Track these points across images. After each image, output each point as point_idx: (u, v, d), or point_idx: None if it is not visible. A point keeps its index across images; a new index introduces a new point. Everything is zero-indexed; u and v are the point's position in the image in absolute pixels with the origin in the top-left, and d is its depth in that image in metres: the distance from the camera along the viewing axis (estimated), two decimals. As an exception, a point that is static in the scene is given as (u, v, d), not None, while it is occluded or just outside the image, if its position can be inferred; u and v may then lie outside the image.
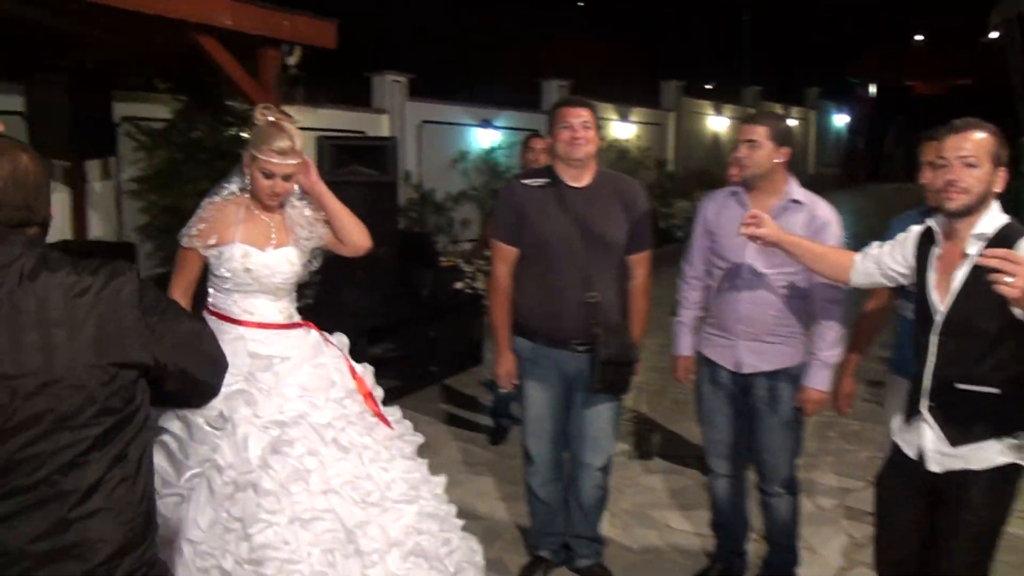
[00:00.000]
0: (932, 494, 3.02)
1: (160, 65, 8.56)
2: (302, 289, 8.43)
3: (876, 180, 28.66)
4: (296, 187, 3.41)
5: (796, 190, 3.76)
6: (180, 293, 3.36)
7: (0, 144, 1.90)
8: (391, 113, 12.38)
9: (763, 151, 3.66)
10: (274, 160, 3.22)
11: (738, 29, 27.84)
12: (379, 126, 12.13)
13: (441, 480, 3.58)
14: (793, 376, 3.77)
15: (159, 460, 3.21)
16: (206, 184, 3.42)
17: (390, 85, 12.39)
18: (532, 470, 4.09)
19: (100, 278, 1.88)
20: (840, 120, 31.78)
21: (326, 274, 7.00)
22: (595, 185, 3.84)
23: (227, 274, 3.30)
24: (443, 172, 12.98)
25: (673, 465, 5.65)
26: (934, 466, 2.95)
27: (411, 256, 7.60)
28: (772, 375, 3.77)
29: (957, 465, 2.92)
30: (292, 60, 7.35)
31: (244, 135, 3.30)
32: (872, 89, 35.58)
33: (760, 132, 3.65)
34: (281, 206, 3.42)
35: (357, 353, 6.41)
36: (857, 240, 3.61)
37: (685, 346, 4.08)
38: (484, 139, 13.73)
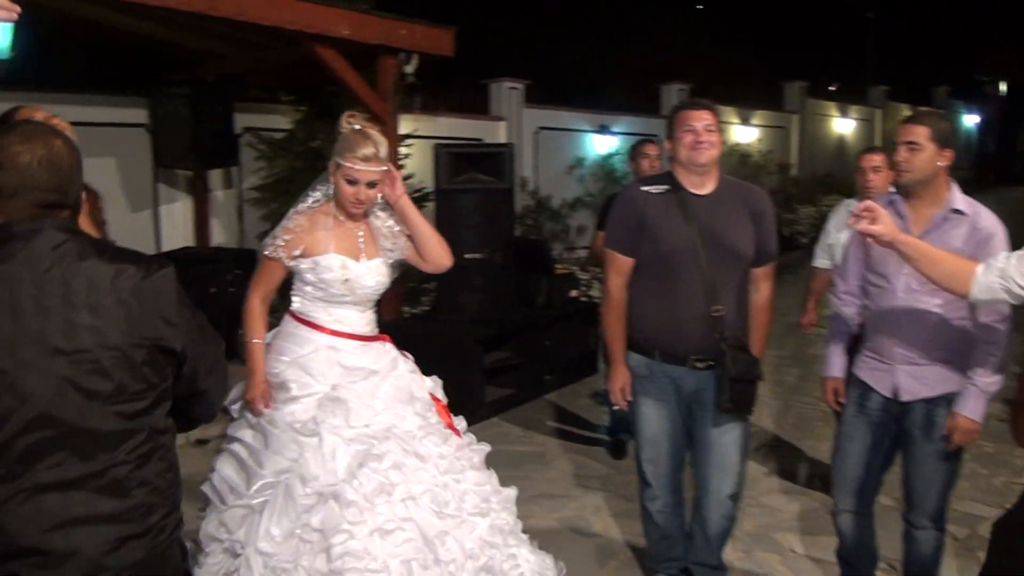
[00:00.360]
0: None
1: (280, 76, 8.71)
2: (418, 296, 8.54)
3: (1008, 183, 27.32)
4: (379, 198, 3.39)
5: (958, 198, 3.40)
6: (260, 301, 3.39)
7: (35, 128, 2.00)
8: (508, 120, 12.35)
9: (924, 154, 3.32)
10: (358, 167, 3.21)
11: (862, 27, 27.02)
12: (496, 133, 12.12)
13: (511, 493, 3.54)
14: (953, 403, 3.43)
15: (227, 470, 3.25)
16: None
17: (507, 92, 12.37)
18: (649, 493, 3.89)
19: (142, 267, 1.99)
20: (970, 120, 30.49)
21: (443, 280, 7.07)
22: (719, 192, 3.62)
23: (321, 284, 3.30)
24: (559, 179, 12.89)
25: (797, 486, 5.40)
26: None
27: (526, 263, 7.53)
28: (931, 401, 3.43)
29: None
30: (410, 68, 7.35)
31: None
32: (1003, 87, 34.02)
33: (921, 133, 3.32)
34: (365, 215, 3.41)
35: (472, 360, 6.46)
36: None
37: (836, 367, 3.77)
38: (601, 145, 13.58)
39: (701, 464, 3.77)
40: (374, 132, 3.28)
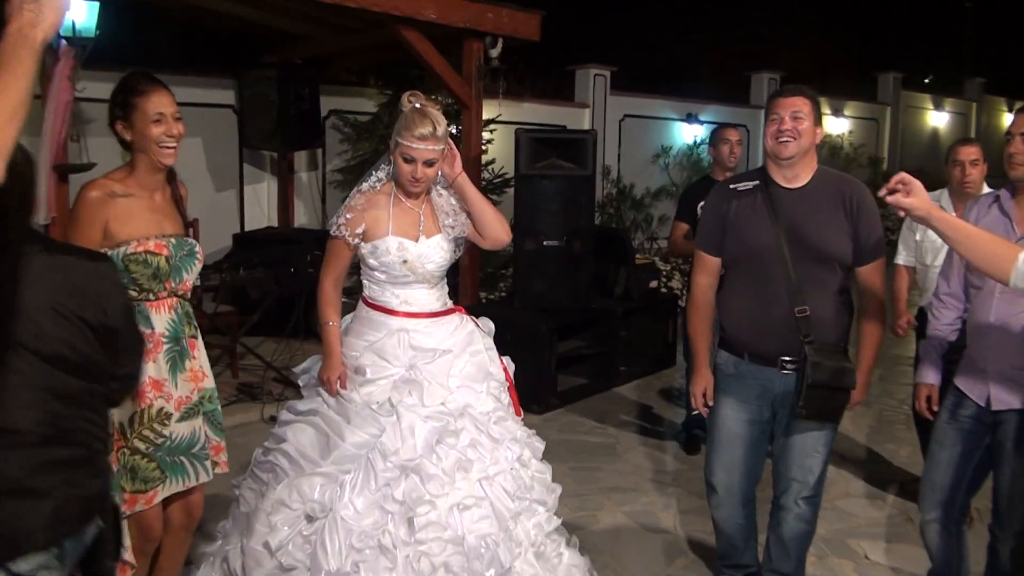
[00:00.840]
0: None
1: (366, 59, 8.76)
2: (496, 282, 8.51)
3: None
4: (440, 176, 3.43)
5: None
6: (331, 285, 3.44)
7: None
8: (593, 107, 12.25)
9: None
10: (415, 145, 3.22)
11: (960, 17, 26.22)
12: (580, 120, 12.03)
13: (558, 487, 3.60)
14: None
15: (302, 438, 3.32)
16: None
17: (593, 78, 12.26)
18: (715, 500, 3.73)
19: (91, 258, 2.28)
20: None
21: (519, 267, 7.03)
22: (813, 186, 3.40)
23: (383, 267, 3.34)
24: (644, 167, 12.76)
25: (874, 489, 5.23)
26: None
27: (606, 252, 7.45)
28: None
29: None
30: (495, 52, 7.31)
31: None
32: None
33: None
34: (427, 193, 3.43)
35: (546, 348, 6.42)
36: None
37: (930, 374, 3.59)
38: (688, 134, 13.40)
39: (779, 463, 3.62)
40: (433, 111, 3.28)
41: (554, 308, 6.84)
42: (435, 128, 3.23)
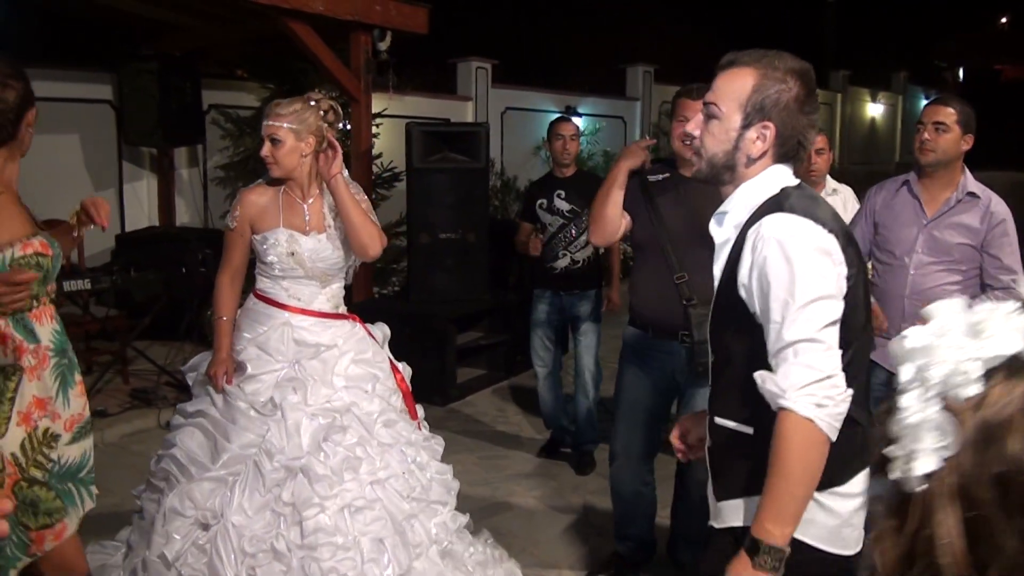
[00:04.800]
0: None
1: (248, 52, 8.57)
2: (388, 276, 8.43)
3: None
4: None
5: (972, 183, 3.57)
6: (227, 278, 3.38)
7: None
8: (475, 100, 12.28)
9: (951, 135, 3.51)
10: (265, 122, 3.20)
11: (822, 11, 27.25)
12: (463, 113, 12.04)
13: (456, 484, 3.56)
14: None
15: (191, 442, 3.26)
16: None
17: (475, 72, 12.28)
18: (616, 465, 3.87)
19: None
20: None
21: (415, 260, 7.02)
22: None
23: (274, 259, 3.29)
24: (526, 159, 12.84)
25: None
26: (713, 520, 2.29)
27: (500, 243, 7.50)
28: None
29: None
30: (383, 46, 7.27)
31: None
32: (960, 73, 34.76)
33: (951, 115, 3.50)
34: (320, 191, 3.36)
35: (446, 340, 6.43)
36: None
37: None
38: (568, 126, 13.55)
39: None
40: (302, 102, 3.25)
41: (451, 300, 6.86)
42: (284, 107, 3.20)
